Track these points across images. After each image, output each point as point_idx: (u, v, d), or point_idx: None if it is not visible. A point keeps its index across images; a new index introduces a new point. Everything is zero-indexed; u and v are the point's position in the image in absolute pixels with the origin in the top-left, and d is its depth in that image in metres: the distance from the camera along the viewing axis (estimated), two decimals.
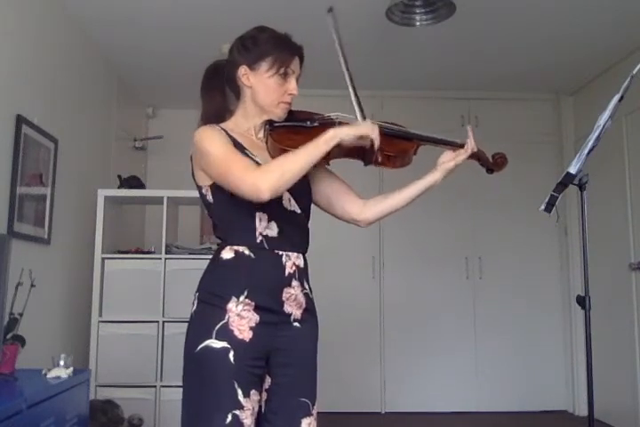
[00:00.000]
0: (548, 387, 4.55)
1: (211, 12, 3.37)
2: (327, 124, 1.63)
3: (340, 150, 1.55)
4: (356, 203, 1.71)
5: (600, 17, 3.43)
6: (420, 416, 4.35)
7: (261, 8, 3.27)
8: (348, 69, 1.66)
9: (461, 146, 1.69)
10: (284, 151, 1.56)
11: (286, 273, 1.54)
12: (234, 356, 1.46)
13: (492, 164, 1.76)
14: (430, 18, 3.08)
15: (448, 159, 1.67)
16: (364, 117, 1.62)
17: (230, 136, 1.56)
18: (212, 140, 1.51)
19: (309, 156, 1.45)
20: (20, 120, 2.75)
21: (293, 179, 1.44)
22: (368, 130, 1.52)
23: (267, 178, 1.41)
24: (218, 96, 1.67)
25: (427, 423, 4.25)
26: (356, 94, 1.66)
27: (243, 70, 1.61)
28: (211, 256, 1.60)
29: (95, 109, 3.92)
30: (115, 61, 4.13)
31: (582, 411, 4.39)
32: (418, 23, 3.11)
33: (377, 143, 1.52)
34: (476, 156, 1.74)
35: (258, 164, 1.52)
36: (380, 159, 1.62)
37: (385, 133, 1.62)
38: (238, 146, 1.55)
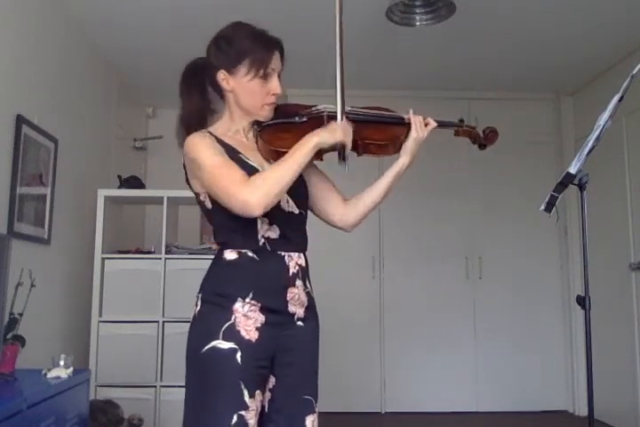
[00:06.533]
0: (548, 387, 4.55)
1: (211, 11, 3.36)
2: (316, 117, 1.60)
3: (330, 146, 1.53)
4: (339, 207, 1.69)
5: (600, 17, 3.43)
6: (420, 416, 4.35)
7: (261, 8, 3.27)
8: (341, 56, 1.57)
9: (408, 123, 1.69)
10: (275, 152, 1.53)
11: (290, 273, 1.54)
12: (241, 357, 1.45)
13: (482, 139, 1.77)
14: (430, 18, 3.09)
15: (409, 141, 1.67)
16: (342, 118, 1.55)
17: (221, 141, 1.54)
18: (202, 151, 1.48)
19: (296, 164, 1.45)
20: (20, 120, 2.75)
21: (283, 191, 1.44)
22: (344, 137, 1.51)
23: (257, 195, 1.40)
24: (197, 96, 1.63)
25: (427, 423, 4.25)
26: (342, 88, 1.57)
27: (222, 75, 1.57)
28: (211, 256, 1.59)
29: (95, 109, 3.92)
30: (115, 62, 4.13)
31: (582, 411, 4.39)
32: (418, 23, 3.12)
33: (348, 147, 1.53)
34: (467, 133, 1.76)
35: (253, 168, 1.51)
36: (370, 149, 1.62)
37: (367, 121, 1.62)
38: (232, 151, 1.53)
